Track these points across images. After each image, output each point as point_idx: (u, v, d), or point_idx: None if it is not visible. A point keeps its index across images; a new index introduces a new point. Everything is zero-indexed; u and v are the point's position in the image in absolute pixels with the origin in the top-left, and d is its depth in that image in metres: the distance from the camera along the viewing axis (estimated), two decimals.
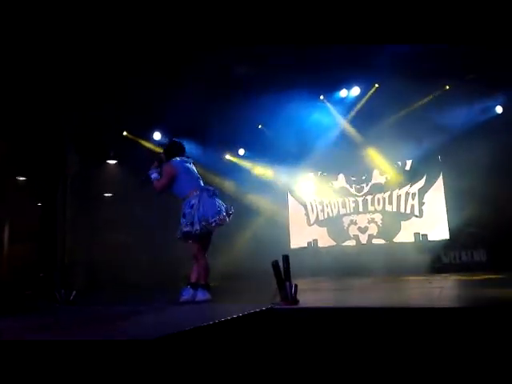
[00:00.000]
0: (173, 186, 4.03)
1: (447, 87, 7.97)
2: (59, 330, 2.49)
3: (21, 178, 9.07)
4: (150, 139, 9.23)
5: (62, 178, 7.78)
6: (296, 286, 3.14)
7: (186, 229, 3.85)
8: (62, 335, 2.16)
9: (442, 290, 4.00)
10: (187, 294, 3.87)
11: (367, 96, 8.42)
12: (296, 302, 3.10)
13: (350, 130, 8.91)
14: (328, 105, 8.75)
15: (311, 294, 4.34)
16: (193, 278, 3.93)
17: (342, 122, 8.88)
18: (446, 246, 8.29)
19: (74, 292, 4.00)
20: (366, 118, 8.54)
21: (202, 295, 3.86)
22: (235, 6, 4.21)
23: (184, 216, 3.89)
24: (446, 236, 8.43)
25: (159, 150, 9.00)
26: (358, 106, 8.62)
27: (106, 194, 9.78)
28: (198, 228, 3.81)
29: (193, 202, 3.89)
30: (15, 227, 9.42)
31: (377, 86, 8.25)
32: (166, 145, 4.27)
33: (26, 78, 6.66)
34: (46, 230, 7.72)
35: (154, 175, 4.05)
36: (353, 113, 8.79)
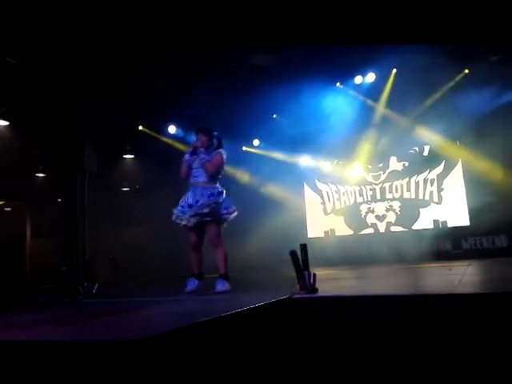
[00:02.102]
0: (219, 171, 4.18)
1: (467, 71, 7.79)
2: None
3: (40, 175, 9.26)
4: (165, 133, 9.29)
5: (81, 174, 7.90)
6: (315, 274, 3.13)
7: (223, 210, 4.04)
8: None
9: (463, 277, 3.95)
10: (192, 284, 3.98)
11: (385, 82, 8.29)
12: (315, 290, 3.10)
13: (368, 118, 8.80)
14: (344, 92, 8.65)
15: (330, 283, 4.33)
16: (221, 270, 4.00)
17: (359, 110, 8.77)
18: (466, 232, 8.17)
19: (97, 285, 4.07)
20: (382, 105, 8.44)
21: (221, 286, 3.90)
22: (247, 2, 4.19)
23: (212, 196, 4.02)
24: (467, 222, 8.31)
25: (177, 144, 9.07)
26: (375, 93, 8.51)
27: (124, 189, 9.91)
28: (225, 214, 4.05)
29: (220, 190, 4.11)
30: (36, 223, 9.64)
31: (395, 71, 8.11)
32: (211, 131, 4.26)
33: (43, 77, 6.76)
34: (66, 225, 7.86)
35: (203, 156, 4.13)
36: (370, 100, 8.69)
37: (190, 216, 3.98)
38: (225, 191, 4.16)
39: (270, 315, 2.68)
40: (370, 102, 8.70)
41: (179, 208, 4.10)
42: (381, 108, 8.64)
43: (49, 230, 9.16)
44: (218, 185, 4.15)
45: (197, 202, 3.99)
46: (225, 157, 4.18)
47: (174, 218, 4.13)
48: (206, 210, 3.95)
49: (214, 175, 4.14)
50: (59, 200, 8.36)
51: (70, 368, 1.51)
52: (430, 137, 8.51)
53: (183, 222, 4.04)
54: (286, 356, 2.42)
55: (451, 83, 7.92)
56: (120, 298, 4.21)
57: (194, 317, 2.42)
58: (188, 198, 4.08)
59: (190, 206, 4.01)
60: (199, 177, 4.12)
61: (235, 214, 4.13)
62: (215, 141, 4.26)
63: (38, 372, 1.52)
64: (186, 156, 4.19)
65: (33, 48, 5.60)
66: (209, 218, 3.97)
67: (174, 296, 3.89)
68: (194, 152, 4.15)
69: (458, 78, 7.87)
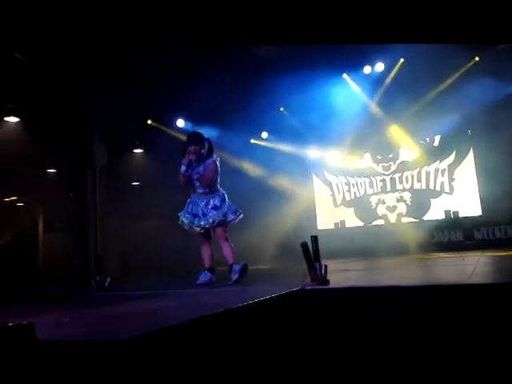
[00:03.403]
0: (214, 181, 4.24)
1: (477, 58, 7.67)
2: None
3: (51, 170, 9.34)
4: (173, 127, 9.29)
5: (91, 169, 7.95)
6: (326, 266, 3.13)
7: (230, 217, 4.17)
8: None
9: (476, 267, 3.92)
10: (204, 277, 4.05)
11: (393, 72, 8.20)
12: (327, 282, 3.09)
13: (376, 108, 8.72)
14: (352, 83, 8.57)
15: (341, 274, 4.33)
16: (230, 260, 4.08)
17: (367, 100, 8.70)
18: (478, 222, 8.09)
19: (109, 278, 4.10)
20: (391, 95, 8.34)
21: (234, 275, 3.97)
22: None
23: (216, 208, 4.13)
24: (479, 212, 8.23)
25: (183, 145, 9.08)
26: (384, 82, 8.42)
27: (134, 183, 9.96)
28: (233, 219, 4.20)
29: (222, 197, 4.20)
30: (48, 218, 9.74)
31: (402, 60, 8.01)
32: (202, 139, 4.26)
33: (52, 72, 6.79)
34: (78, 219, 7.94)
35: (197, 169, 4.19)
36: (378, 90, 8.60)
37: (196, 226, 4.14)
38: (226, 194, 4.24)
39: (281, 307, 2.68)
40: (377, 91, 8.60)
41: (186, 215, 4.21)
42: (388, 97, 8.53)
43: (61, 224, 9.25)
44: (219, 191, 4.23)
45: (204, 215, 4.12)
46: (218, 163, 4.22)
47: (179, 222, 4.26)
48: (215, 224, 4.12)
49: (212, 185, 4.21)
50: (71, 195, 8.43)
51: (74, 366, 1.52)
52: (440, 126, 8.41)
53: (186, 228, 4.21)
54: (298, 348, 2.42)
55: (462, 71, 7.81)
56: (132, 291, 4.24)
57: (205, 309, 2.43)
58: (192, 207, 4.20)
59: (195, 216, 4.15)
60: (199, 187, 4.22)
61: (241, 216, 4.26)
62: (205, 149, 4.22)
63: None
64: (183, 168, 4.18)
65: (41, 43, 5.62)
66: (216, 226, 4.14)
67: (185, 289, 3.92)
68: (190, 164, 4.16)
69: (469, 65, 7.75)
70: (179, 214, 4.26)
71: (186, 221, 4.18)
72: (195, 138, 4.23)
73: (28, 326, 1.45)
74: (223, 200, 4.19)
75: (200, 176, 4.16)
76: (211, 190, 4.21)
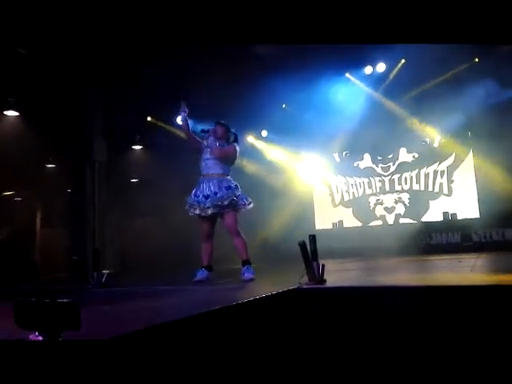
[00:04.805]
0: (228, 161, 4.22)
1: (477, 60, 7.67)
2: None
3: (50, 166, 9.32)
4: (173, 124, 9.28)
5: (91, 165, 7.94)
6: (323, 265, 3.14)
7: (241, 201, 4.12)
8: None
9: (473, 269, 3.93)
10: (202, 274, 4.04)
11: (394, 72, 8.19)
12: (324, 281, 3.10)
13: (377, 109, 8.72)
14: (353, 83, 8.57)
15: (339, 274, 4.33)
16: (244, 256, 4.06)
17: (368, 101, 8.69)
18: (476, 224, 8.10)
19: (106, 274, 4.11)
20: (392, 95, 8.35)
21: (249, 274, 3.97)
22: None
23: (229, 188, 4.09)
24: (477, 215, 8.23)
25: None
26: (385, 83, 8.42)
27: (134, 180, 9.95)
28: (243, 204, 4.15)
29: (234, 182, 4.20)
30: (46, 213, 9.72)
31: (403, 61, 8.01)
32: (228, 127, 4.32)
33: (53, 67, 6.78)
34: (76, 215, 7.93)
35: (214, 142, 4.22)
36: (379, 91, 8.60)
37: (207, 207, 4.02)
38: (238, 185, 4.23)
39: (278, 305, 2.69)
40: (379, 92, 8.60)
41: (193, 197, 4.12)
42: (389, 98, 8.54)
43: (59, 220, 9.24)
44: (230, 178, 4.21)
45: (215, 193, 4.04)
46: (238, 150, 4.23)
47: (187, 207, 4.17)
48: (226, 203, 4.03)
49: (226, 167, 4.19)
50: (69, 190, 8.43)
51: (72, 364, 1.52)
52: (440, 128, 8.41)
53: (197, 212, 4.08)
54: (294, 346, 2.43)
55: (461, 72, 7.80)
56: (129, 288, 4.24)
57: (202, 306, 2.44)
58: (203, 188, 4.10)
59: (207, 197, 4.04)
60: (212, 168, 4.16)
61: (251, 205, 4.21)
62: (232, 136, 4.30)
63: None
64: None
65: (43, 38, 5.61)
66: (227, 210, 4.05)
67: (182, 285, 3.92)
68: (207, 133, 4.24)
69: (468, 66, 7.75)
70: (186, 199, 4.19)
71: (195, 204, 4.07)
72: (222, 123, 4.31)
73: (74, 305, 1.48)
74: (236, 186, 4.17)
75: (217, 147, 4.15)
76: (224, 171, 4.17)
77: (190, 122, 4.38)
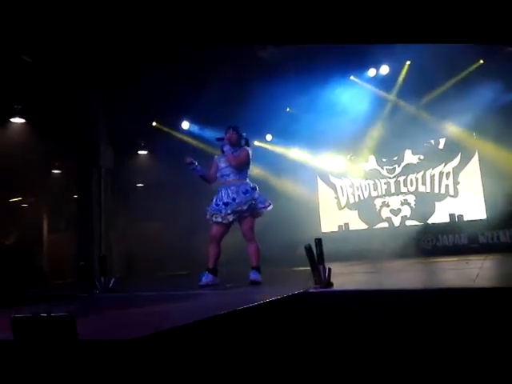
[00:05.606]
0: (243, 166, 4.26)
1: (482, 61, 7.65)
2: None
3: (57, 171, 9.39)
4: (178, 129, 9.32)
5: (97, 170, 7.98)
6: (330, 269, 3.13)
7: (260, 205, 4.16)
8: None
9: (481, 271, 3.90)
10: (206, 278, 4.04)
11: (398, 75, 8.18)
12: (330, 284, 3.09)
13: (381, 111, 8.71)
14: (358, 85, 8.56)
15: (345, 277, 4.32)
16: (254, 262, 4.09)
17: (372, 103, 8.67)
18: (483, 225, 8.04)
19: (113, 279, 4.12)
20: (398, 97, 8.34)
21: (256, 276, 4.01)
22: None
23: (246, 192, 4.13)
24: (483, 216, 8.18)
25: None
26: (390, 84, 8.41)
27: (139, 184, 9.99)
28: (262, 207, 4.19)
29: (252, 185, 4.25)
30: (53, 219, 9.78)
31: (408, 63, 8.00)
32: (240, 132, 4.37)
33: (59, 74, 6.83)
34: (82, 220, 7.97)
35: (229, 150, 4.25)
36: (383, 93, 8.59)
37: (227, 214, 4.08)
38: (257, 186, 4.28)
39: (285, 309, 2.68)
40: (383, 94, 8.59)
41: (214, 206, 4.19)
42: (394, 100, 8.54)
43: (66, 225, 9.29)
44: (248, 181, 4.27)
45: (233, 199, 4.09)
46: (250, 153, 4.29)
47: (208, 216, 4.22)
48: (245, 207, 4.08)
49: (242, 171, 4.24)
50: (75, 196, 8.47)
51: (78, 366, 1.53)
52: (445, 129, 8.38)
53: (219, 220, 4.13)
54: (301, 350, 2.43)
55: (466, 74, 7.78)
56: (136, 293, 4.26)
57: (208, 311, 2.44)
58: (222, 196, 4.16)
59: (226, 204, 4.10)
60: (229, 175, 4.22)
61: (271, 207, 4.25)
62: (243, 141, 4.37)
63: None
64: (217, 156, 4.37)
65: (47, 45, 5.66)
66: (247, 214, 4.10)
67: (188, 290, 3.92)
68: (223, 141, 4.28)
69: (473, 68, 7.73)
70: (206, 209, 4.24)
71: (216, 212, 4.12)
72: (235, 127, 4.36)
73: (69, 318, 1.50)
74: (253, 188, 4.21)
75: (232, 156, 4.18)
76: (241, 176, 4.22)
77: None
